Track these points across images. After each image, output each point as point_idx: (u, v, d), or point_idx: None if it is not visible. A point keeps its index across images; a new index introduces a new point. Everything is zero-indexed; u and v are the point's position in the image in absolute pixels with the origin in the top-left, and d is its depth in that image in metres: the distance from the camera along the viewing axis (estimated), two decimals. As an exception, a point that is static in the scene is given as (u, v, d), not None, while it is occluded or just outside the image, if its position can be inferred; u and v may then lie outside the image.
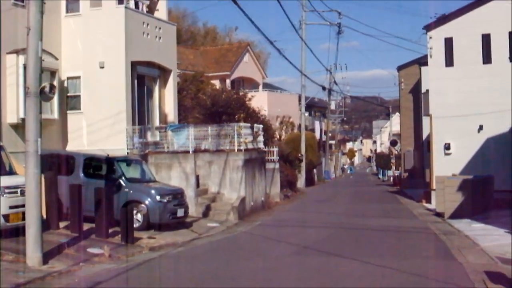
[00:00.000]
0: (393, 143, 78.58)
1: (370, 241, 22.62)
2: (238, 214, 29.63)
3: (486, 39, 35.79)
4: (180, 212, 25.13)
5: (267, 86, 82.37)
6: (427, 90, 38.94)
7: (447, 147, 36.46)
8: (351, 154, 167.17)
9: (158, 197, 24.31)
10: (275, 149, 41.26)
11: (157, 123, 34.49)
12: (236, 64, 71.52)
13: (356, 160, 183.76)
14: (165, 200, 24.42)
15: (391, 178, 76.68)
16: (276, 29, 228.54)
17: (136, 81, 32.73)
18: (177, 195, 25.39)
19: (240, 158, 31.17)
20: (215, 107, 40.63)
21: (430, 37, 37.35)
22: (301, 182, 59.22)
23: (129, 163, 26.51)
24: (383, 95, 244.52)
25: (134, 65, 32.12)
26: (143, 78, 33.94)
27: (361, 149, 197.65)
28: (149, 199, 24.27)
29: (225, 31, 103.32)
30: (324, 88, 72.39)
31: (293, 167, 52.65)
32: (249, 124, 33.67)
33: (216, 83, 61.40)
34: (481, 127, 35.61)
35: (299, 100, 68.34)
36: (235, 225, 27.87)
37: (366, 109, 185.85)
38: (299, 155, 59.63)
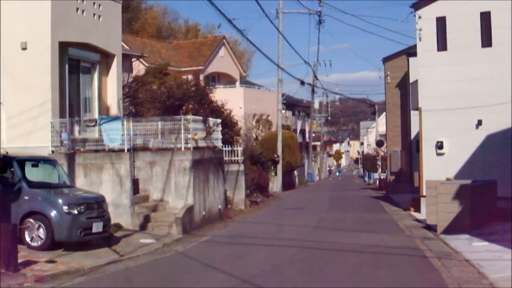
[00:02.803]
0: (379, 143, 73.27)
1: (339, 270, 16.76)
2: (183, 227, 24.03)
3: (485, 18, 30.07)
4: (97, 227, 19.56)
5: (247, 83, 78.19)
6: (416, 80, 33.34)
7: (440, 146, 30.87)
8: (337, 155, 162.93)
9: (65, 208, 18.72)
10: (240, 148, 35.75)
11: (96, 117, 28.87)
12: (210, 59, 67.78)
13: (343, 162, 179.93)
14: (76, 212, 18.90)
15: (377, 181, 71.56)
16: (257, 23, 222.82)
17: (67, 65, 27.04)
18: (93, 205, 19.77)
19: (187, 158, 25.58)
20: (171, 100, 35.15)
21: (419, 17, 31.74)
22: (277, 186, 54.06)
23: (36, 163, 20.89)
24: (371, 97, 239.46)
25: (64, 46, 26.53)
26: (77, 63, 28.31)
27: (348, 151, 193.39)
28: (54, 211, 18.67)
29: (207, 28, 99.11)
30: (302, 83, 66.86)
31: (265, 169, 47.10)
32: (200, 118, 28.04)
33: (190, 78, 56.58)
34: (479, 122, 29.92)
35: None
36: (175, 242, 22.24)
37: (355, 111, 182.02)
38: (275, 156, 54.26)
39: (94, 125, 26.06)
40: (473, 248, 19.55)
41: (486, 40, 30.06)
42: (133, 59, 47.22)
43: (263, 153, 48.27)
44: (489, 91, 29.57)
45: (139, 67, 48.21)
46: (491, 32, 29.89)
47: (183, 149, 25.65)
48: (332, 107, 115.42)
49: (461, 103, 30.10)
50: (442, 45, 31.15)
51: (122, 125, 25.45)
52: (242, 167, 35.38)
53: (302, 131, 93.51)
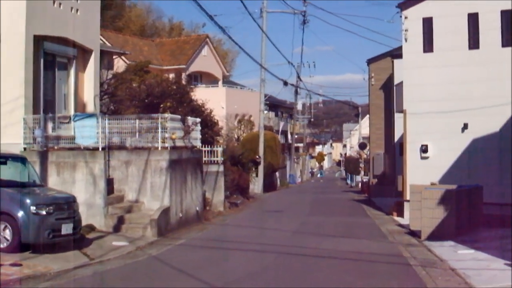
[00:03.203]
0: (361, 146, 72.51)
1: (318, 279, 15.87)
2: (158, 229, 23.13)
3: (473, 20, 29.26)
4: (67, 229, 18.60)
5: (230, 83, 77.48)
6: (401, 82, 32.56)
7: (424, 149, 30.10)
8: (320, 157, 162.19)
9: (33, 208, 17.78)
10: (219, 149, 34.88)
11: (71, 114, 27.89)
12: (193, 57, 67.25)
13: (326, 164, 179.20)
14: (44, 212, 17.94)
15: (360, 184, 70.85)
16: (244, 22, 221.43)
17: (42, 60, 26.15)
18: (63, 205, 18.82)
19: (164, 158, 24.73)
20: (150, 98, 34.29)
21: (405, 17, 30.93)
22: (258, 187, 53.36)
23: (4, 161, 19.95)
24: (355, 100, 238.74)
25: (40, 40, 25.64)
26: (53, 57, 27.43)
27: (331, 153, 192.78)
28: (21, 211, 17.73)
29: (192, 27, 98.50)
30: (285, 83, 65.95)
31: (246, 170, 46.24)
32: (178, 116, 27.18)
33: (172, 77, 55.90)
34: (465, 126, 29.12)
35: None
36: (149, 245, 21.35)
37: (338, 113, 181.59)
38: (257, 157, 53.50)
39: (68, 122, 25.07)
40: (459, 256, 18.80)
41: (474, 42, 29.29)
42: (114, 56, 46.48)
43: (244, 154, 47.42)
44: (475, 95, 28.81)
45: (118, 64, 47.32)
46: (479, 34, 29.14)
47: (160, 148, 24.82)
48: (316, 108, 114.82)
49: (447, 106, 29.35)
50: (428, 46, 30.36)
51: (97, 122, 24.49)
52: (221, 168, 34.51)
53: (285, 133, 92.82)
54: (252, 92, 72.42)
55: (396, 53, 41.57)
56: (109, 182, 24.62)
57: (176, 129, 26.01)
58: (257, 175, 53.99)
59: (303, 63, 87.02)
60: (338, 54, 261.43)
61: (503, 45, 28.43)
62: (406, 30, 30.86)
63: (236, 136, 61.63)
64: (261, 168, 54.43)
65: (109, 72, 39.64)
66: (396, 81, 39.15)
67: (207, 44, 71.09)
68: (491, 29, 28.76)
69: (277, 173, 67.88)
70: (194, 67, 67.86)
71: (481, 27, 29.08)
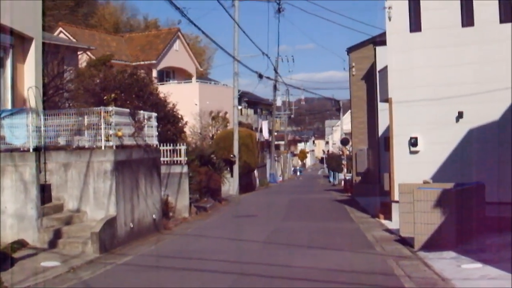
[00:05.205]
0: (343, 141, 69.18)
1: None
2: (101, 244, 19.31)
3: (466, -8, 25.84)
4: (-30, 251, 14.80)
5: (207, 80, 74.72)
6: (385, 67, 28.91)
7: (413, 142, 26.48)
8: (302, 155, 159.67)
9: None
10: (183, 147, 31.21)
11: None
12: (164, 52, 64.40)
13: (308, 161, 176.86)
14: None
15: (342, 182, 67.56)
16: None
17: (-31, 49, 22.43)
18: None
19: (108, 159, 20.90)
20: (105, 92, 30.58)
21: (389, -7, 27.44)
22: (233, 188, 49.82)
23: None
24: (337, 96, 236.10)
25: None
26: (-18, 47, 23.69)
27: (313, 150, 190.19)
28: None
29: (167, 25, 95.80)
30: (260, 76, 61.90)
31: (217, 170, 42.57)
32: (127, 110, 23.42)
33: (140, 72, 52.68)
34: (460, 115, 25.57)
35: (240, 94, 59.12)
36: (86, 265, 17.54)
37: (321, 110, 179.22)
38: (231, 155, 50.01)
39: (-6, 120, 21.20)
40: (464, 272, 15.09)
41: (467, 18, 25.69)
42: (79, 52, 43.45)
43: (217, 153, 44.03)
44: (471, 78, 25.31)
45: (83, 60, 44.16)
46: (473, 8, 25.54)
47: (103, 147, 21.02)
48: (298, 106, 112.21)
49: (438, 93, 25.85)
50: (415, 25, 26.72)
51: (27, 119, 20.71)
52: (185, 169, 30.80)
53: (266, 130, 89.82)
54: (227, 88, 69.06)
55: (378, 40, 38.58)
56: (45, 189, 20.89)
57: (124, 125, 22.24)
58: (232, 176, 50.56)
59: (281, 57, 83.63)
60: (320, 46, 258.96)
61: (502, 21, 24.87)
62: (389, 8, 27.22)
63: (210, 134, 58.69)
64: (236, 168, 51.01)
65: (61, 66, 36.36)
66: (379, 68, 35.61)
67: (179, 38, 68.27)
68: (487, 4, 25.19)
69: (255, 172, 64.67)
70: (166, 63, 65.45)
71: (475, 1, 25.52)
